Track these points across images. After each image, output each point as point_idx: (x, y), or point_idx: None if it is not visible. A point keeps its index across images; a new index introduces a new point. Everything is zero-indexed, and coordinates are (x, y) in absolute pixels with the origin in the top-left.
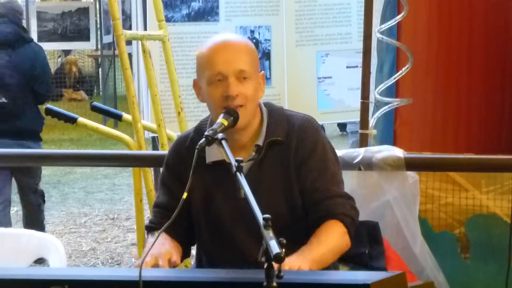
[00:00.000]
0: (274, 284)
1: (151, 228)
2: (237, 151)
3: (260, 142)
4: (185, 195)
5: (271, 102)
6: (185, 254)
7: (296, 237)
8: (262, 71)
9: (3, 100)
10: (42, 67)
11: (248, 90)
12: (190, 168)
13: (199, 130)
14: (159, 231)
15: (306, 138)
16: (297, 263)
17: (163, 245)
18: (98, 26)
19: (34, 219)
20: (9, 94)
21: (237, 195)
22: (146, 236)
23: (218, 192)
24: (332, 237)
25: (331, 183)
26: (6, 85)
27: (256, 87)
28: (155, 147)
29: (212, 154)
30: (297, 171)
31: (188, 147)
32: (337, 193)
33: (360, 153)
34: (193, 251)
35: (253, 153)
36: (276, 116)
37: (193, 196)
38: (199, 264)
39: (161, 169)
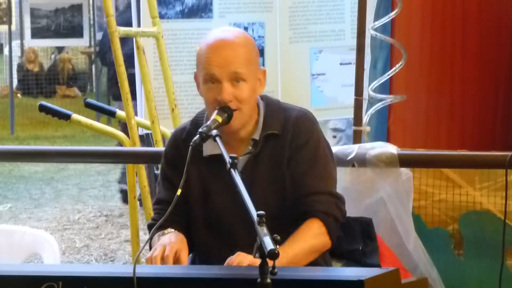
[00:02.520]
0: (268, 280)
1: (154, 226)
2: (236, 145)
3: (256, 136)
4: (179, 191)
5: (268, 95)
6: (190, 249)
7: (288, 229)
8: (263, 68)
9: None
10: None
11: (243, 92)
12: (189, 159)
13: (195, 122)
14: (156, 224)
15: (300, 130)
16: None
17: (172, 239)
18: (92, 22)
19: None
20: None
21: (234, 189)
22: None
23: (215, 184)
24: (308, 237)
25: (318, 178)
26: None
27: (253, 87)
28: (149, 144)
29: (209, 147)
30: (288, 163)
31: (185, 139)
32: (323, 190)
33: (353, 149)
34: None
35: (250, 147)
36: (273, 109)
37: (190, 188)
38: (193, 259)
39: (154, 166)
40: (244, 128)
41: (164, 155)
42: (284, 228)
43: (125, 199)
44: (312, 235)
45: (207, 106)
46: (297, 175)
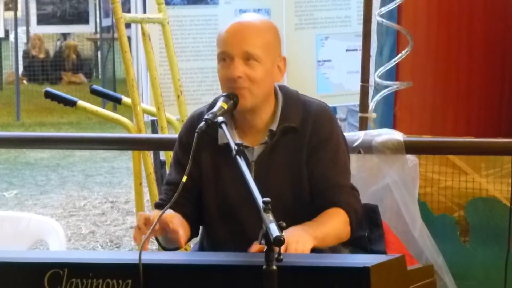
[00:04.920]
0: (274, 267)
1: (161, 205)
2: (253, 134)
3: (273, 127)
4: (184, 178)
5: (286, 86)
6: (194, 233)
7: (301, 222)
8: (284, 56)
9: None
10: None
11: (255, 72)
12: (203, 146)
13: (212, 108)
14: (165, 207)
15: (321, 126)
16: (300, 247)
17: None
18: (97, 9)
19: None
20: None
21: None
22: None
23: (228, 172)
24: (335, 222)
25: (341, 173)
26: None
27: (269, 71)
28: (154, 131)
29: (224, 135)
30: (308, 158)
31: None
32: (345, 184)
33: (359, 136)
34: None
35: (266, 138)
36: (292, 101)
37: (204, 175)
38: (201, 246)
39: (160, 152)
40: (259, 116)
41: (179, 138)
42: (299, 222)
43: None
44: (340, 222)
45: (221, 85)
46: (319, 171)
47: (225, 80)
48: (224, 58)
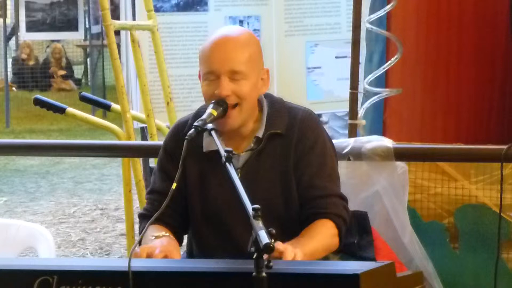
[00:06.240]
0: (264, 274)
1: (146, 216)
2: (238, 141)
3: (260, 134)
4: (174, 185)
5: (271, 93)
6: (181, 243)
7: (290, 229)
8: (266, 68)
9: None
10: None
11: (242, 89)
12: (188, 153)
13: (197, 116)
14: (152, 217)
15: (307, 132)
16: (292, 252)
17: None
18: (87, 16)
19: None
20: None
21: (232, 183)
22: (140, 225)
23: (214, 179)
24: (323, 235)
25: (329, 180)
26: None
27: (254, 85)
28: (144, 138)
29: (209, 143)
30: (295, 165)
31: (186, 133)
32: (334, 192)
33: (349, 143)
34: (184, 241)
35: (252, 144)
36: (277, 108)
37: (189, 183)
38: (190, 253)
39: (150, 159)
40: (244, 126)
41: (163, 146)
42: (287, 227)
43: None
44: (328, 235)
45: (205, 101)
46: (306, 177)
47: (212, 97)
48: (210, 75)
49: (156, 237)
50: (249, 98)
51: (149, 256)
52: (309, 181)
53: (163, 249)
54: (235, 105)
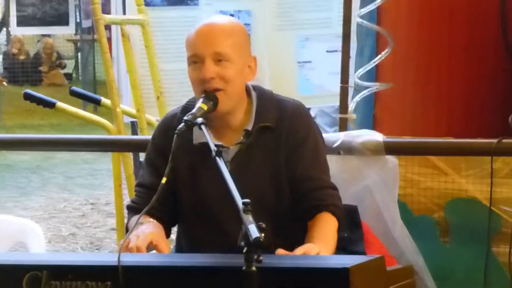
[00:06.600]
0: (253, 268)
1: (134, 208)
2: (228, 134)
3: (249, 126)
4: (164, 179)
5: (260, 86)
6: (169, 236)
7: (281, 222)
8: (254, 56)
9: None
10: None
11: (227, 71)
12: (178, 147)
13: (186, 109)
14: (141, 213)
15: (298, 125)
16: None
17: (147, 229)
18: (77, 10)
19: None
20: None
21: (222, 177)
22: (128, 217)
23: (204, 173)
24: (333, 231)
25: (323, 172)
26: None
27: (240, 70)
28: (134, 132)
29: (199, 135)
30: (287, 158)
31: (175, 126)
32: (329, 184)
33: (339, 137)
34: (173, 235)
35: (242, 137)
36: (266, 101)
37: (178, 176)
38: (179, 248)
39: (140, 154)
40: (233, 116)
41: (152, 140)
42: (278, 221)
43: None
44: (335, 230)
45: (193, 88)
46: (300, 170)
47: (197, 81)
48: (195, 60)
49: (140, 224)
50: (234, 82)
51: (137, 248)
52: (303, 174)
53: (146, 237)
54: (219, 90)
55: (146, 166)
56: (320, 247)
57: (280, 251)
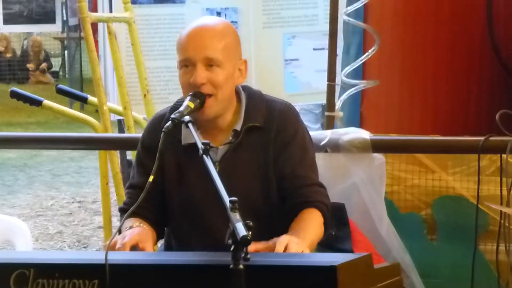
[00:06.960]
0: (241, 266)
1: (126, 210)
2: (216, 134)
3: (238, 127)
4: (151, 178)
5: (249, 86)
6: (159, 236)
7: (268, 222)
8: (244, 59)
9: None
10: None
11: (218, 76)
12: (166, 147)
13: (174, 109)
14: (128, 211)
15: (286, 124)
16: (300, 247)
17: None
18: (64, 8)
19: None
20: None
21: (210, 176)
22: (120, 219)
23: (192, 172)
24: (316, 226)
25: (311, 170)
26: None
27: (230, 74)
28: (121, 130)
29: (188, 135)
30: (275, 157)
31: (163, 126)
32: (316, 182)
33: (326, 135)
34: None
35: (230, 138)
36: (255, 101)
37: (166, 176)
38: (168, 246)
39: (127, 152)
40: (222, 118)
41: (141, 140)
42: (265, 220)
43: None
44: (318, 225)
45: (183, 91)
46: (288, 169)
47: (188, 86)
48: (186, 64)
49: (130, 227)
50: (224, 87)
51: (122, 247)
52: (291, 172)
53: (133, 237)
54: (210, 95)
55: (136, 167)
56: (293, 238)
57: (256, 246)
